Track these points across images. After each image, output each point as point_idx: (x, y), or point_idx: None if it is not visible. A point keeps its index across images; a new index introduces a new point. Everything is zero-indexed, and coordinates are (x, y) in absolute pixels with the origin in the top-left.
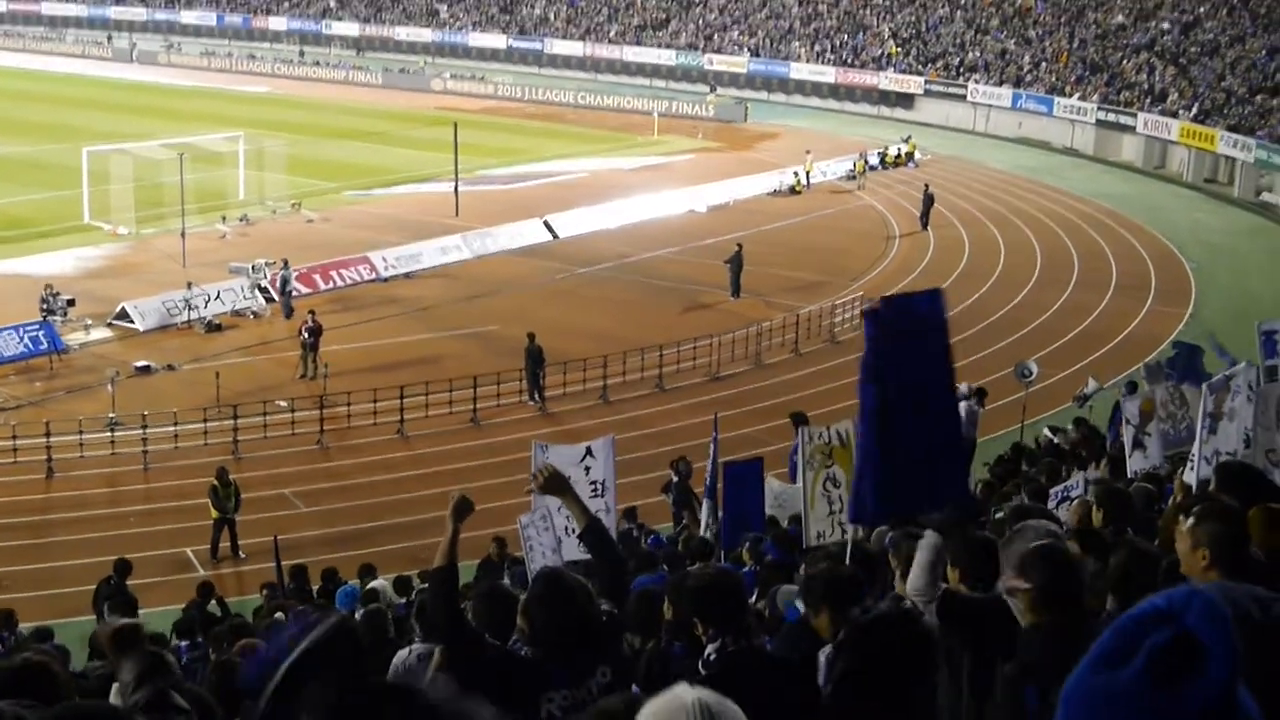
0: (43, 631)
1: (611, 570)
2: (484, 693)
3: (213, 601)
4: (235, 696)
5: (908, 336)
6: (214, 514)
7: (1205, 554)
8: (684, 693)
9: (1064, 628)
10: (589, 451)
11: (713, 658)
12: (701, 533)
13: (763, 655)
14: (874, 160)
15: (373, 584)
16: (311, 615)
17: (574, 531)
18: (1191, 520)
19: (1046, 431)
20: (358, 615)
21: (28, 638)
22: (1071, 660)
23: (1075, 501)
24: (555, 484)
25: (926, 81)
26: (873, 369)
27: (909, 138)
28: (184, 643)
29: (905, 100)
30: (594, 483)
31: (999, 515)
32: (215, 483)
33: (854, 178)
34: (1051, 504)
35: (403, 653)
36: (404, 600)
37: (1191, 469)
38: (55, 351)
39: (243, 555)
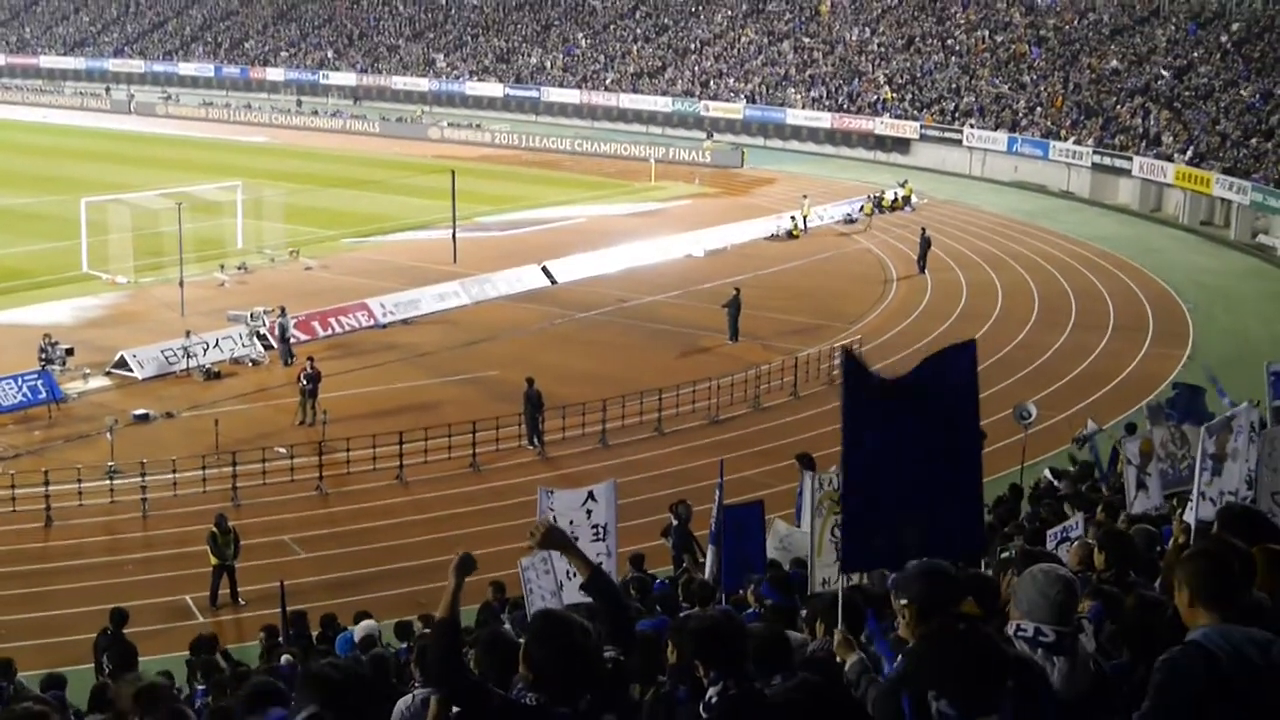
0: (56, 678)
1: (616, 617)
2: None
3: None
4: None
5: (911, 387)
6: (213, 561)
7: (1185, 595)
8: None
9: (939, 640)
10: (591, 495)
11: (714, 700)
12: (706, 576)
13: (764, 698)
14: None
15: (365, 624)
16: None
17: (574, 575)
18: (1183, 565)
19: (1047, 474)
20: (363, 658)
21: (44, 682)
22: (947, 670)
23: (1075, 543)
24: (553, 539)
25: (922, 126)
26: (846, 421)
27: (905, 182)
28: (201, 687)
29: (901, 145)
30: (595, 526)
31: (1004, 556)
32: (214, 530)
33: (852, 220)
34: (1050, 545)
35: (405, 699)
36: (405, 645)
37: (1191, 509)
38: (54, 400)
39: (242, 602)
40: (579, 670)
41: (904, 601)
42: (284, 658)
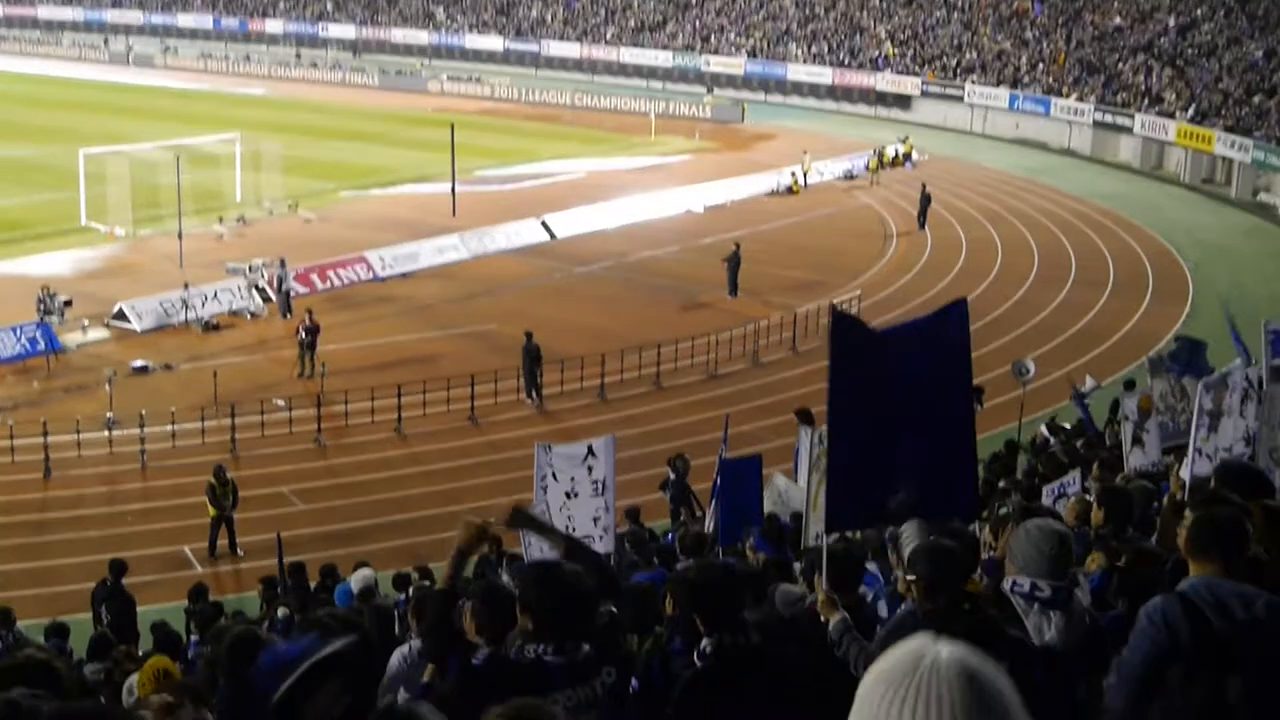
0: (59, 627)
1: (597, 572)
2: (484, 705)
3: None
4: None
5: (899, 349)
6: (211, 512)
7: (1184, 543)
8: (924, 647)
9: (943, 619)
10: (591, 451)
11: (708, 650)
12: (708, 529)
13: (760, 651)
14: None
15: (362, 573)
16: (331, 623)
17: (573, 530)
18: (1188, 519)
19: (1044, 429)
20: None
21: (48, 630)
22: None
23: (1073, 499)
24: (520, 519)
25: (924, 82)
26: (833, 381)
27: (906, 138)
28: (194, 638)
29: (902, 101)
30: (595, 482)
31: (1003, 512)
32: (213, 481)
33: (852, 176)
34: (1048, 500)
35: (402, 649)
36: (402, 596)
37: (1188, 465)
38: (52, 352)
39: (241, 553)
40: (577, 616)
41: (912, 577)
42: (280, 610)
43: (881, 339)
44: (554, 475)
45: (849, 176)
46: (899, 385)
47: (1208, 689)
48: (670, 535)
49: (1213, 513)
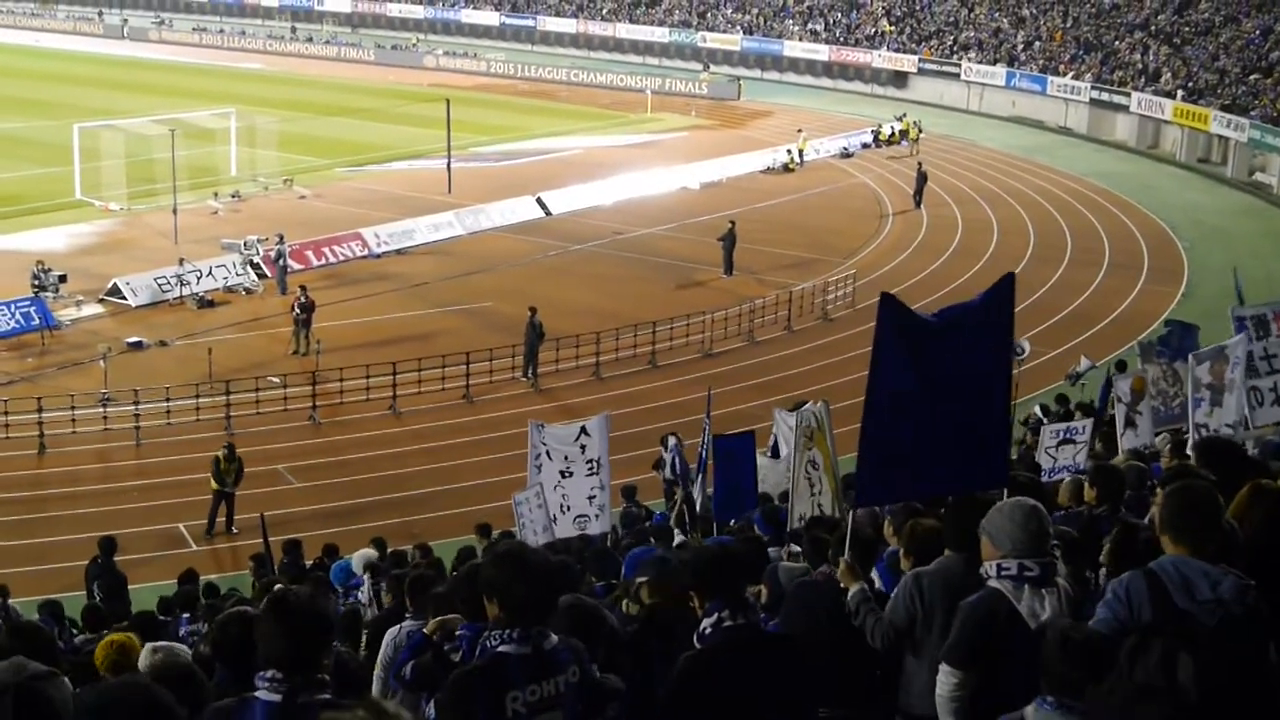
0: (52, 605)
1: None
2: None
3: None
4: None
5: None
6: (213, 486)
7: (1158, 521)
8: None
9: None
10: (584, 430)
11: (709, 631)
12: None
13: (759, 630)
14: (867, 139)
15: (367, 552)
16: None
17: (568, 510)
18: (1161, 499)
19: (1037, 410)
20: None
21: (40, 608)
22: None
23: (1067, 479)
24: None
25: (920, 60)
26: (876, 363)
27: (904, 115)
28: (185, 614)
29: (899, 79)
30: (590, 461)
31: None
32: (220, 454)
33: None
34: (1051, 441)
35: (393, 630)
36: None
37: (1190, 443)
38: (47, 327)
39: (235, 530)
40: (544, 600)
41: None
42: (277, 589)
43: (930, 325)
44: (548, 454)
45: (846, 154)
46: (943, 368)
47: (1157, 666)
48: (660, 515)
49: (1183, 490)
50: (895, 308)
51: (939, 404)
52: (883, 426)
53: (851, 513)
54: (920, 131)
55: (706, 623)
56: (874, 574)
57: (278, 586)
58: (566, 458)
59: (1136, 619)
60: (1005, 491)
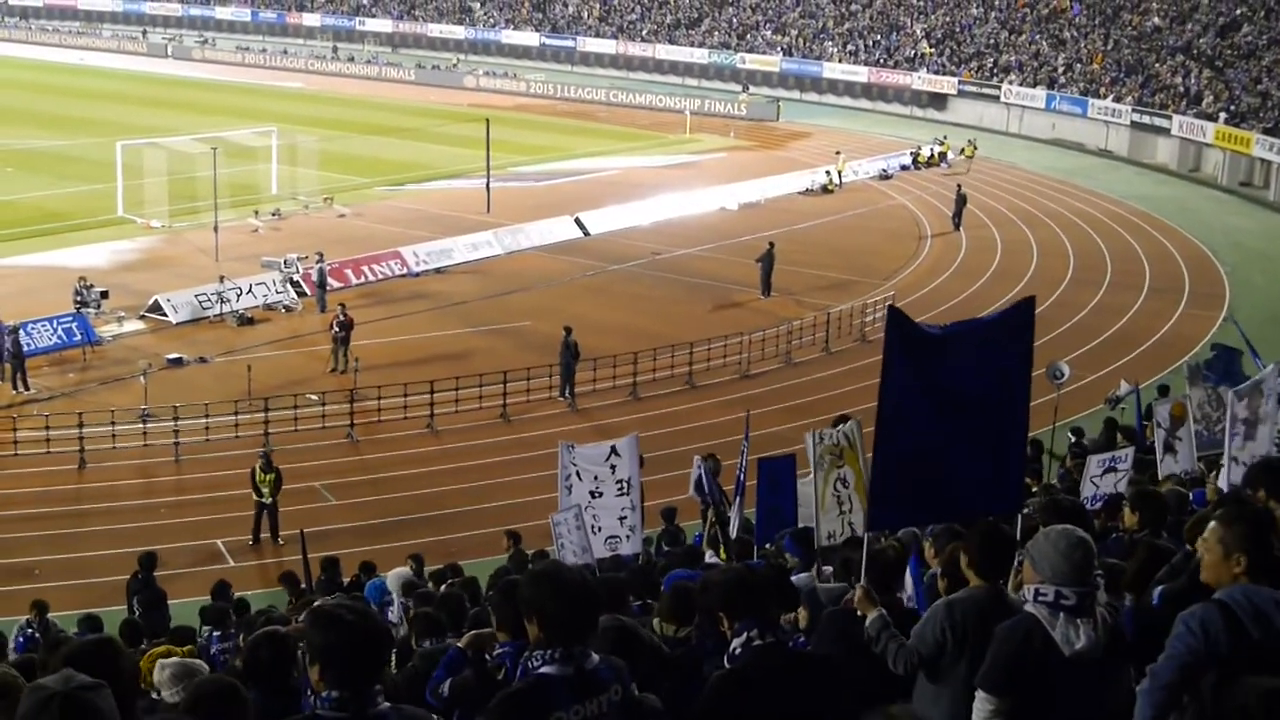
0: (92, 619)
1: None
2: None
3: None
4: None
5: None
6: (254, 498)
7: (1241, 559)
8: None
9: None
10: (614, 450)
11: (738, 651)
12: (731, 529)
13: (788, 650)
14: (906, 161)
15: (402, 571)
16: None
17: (599, 530)
18: (1220, 525)
19: (1070, 434)
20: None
21: (79, 622)
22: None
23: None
24: None
25: (960, 82)
26: (885, 380)
27: (945, 138)
28: (216, 632)
29: (938, 100)
30: (620, 481)
31: (1024, 511)
32: (256, 465)
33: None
34: (1096, 471)
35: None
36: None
37: (1225, 474)
38: (88, 343)
39: (280, 542)
40: (585, 619)
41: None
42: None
43: (938, 339)
44: (578, 475)
45: (885, 176)
46: (954, 386)
47: (1259, 704)
48: (698, 537)
49: (1254, 517)
50: (902, 322)
51: (948, 423)
52: (893, 448)
53: (867, 537)
54: (975, 149)
55: (736, 643)
56: (907, 589)
57: (318, 603)
58: (596, 478)
59: (1214, 652)
60: (1041, 516)
